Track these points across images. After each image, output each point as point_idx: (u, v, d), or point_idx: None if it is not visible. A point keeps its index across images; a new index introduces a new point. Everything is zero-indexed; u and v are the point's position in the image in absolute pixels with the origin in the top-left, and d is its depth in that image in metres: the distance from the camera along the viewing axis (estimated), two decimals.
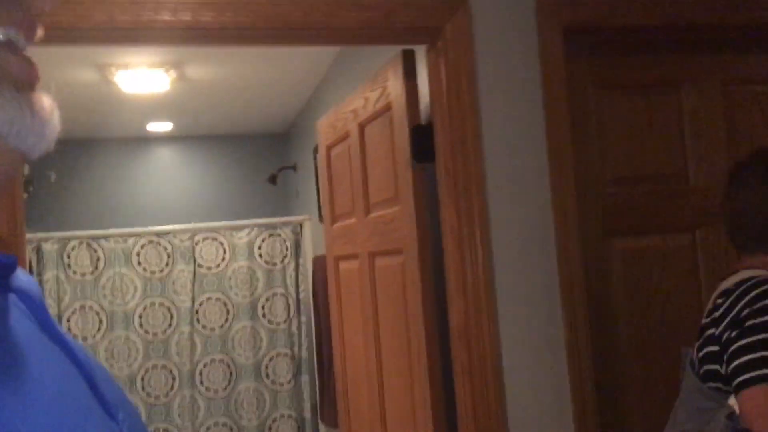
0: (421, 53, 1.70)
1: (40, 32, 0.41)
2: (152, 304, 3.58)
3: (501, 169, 1.61)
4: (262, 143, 4.92)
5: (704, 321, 1.26)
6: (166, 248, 3.63)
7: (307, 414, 3.71)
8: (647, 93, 1.76)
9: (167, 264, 3.62)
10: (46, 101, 0.41)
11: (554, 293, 1.61)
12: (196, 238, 3.66)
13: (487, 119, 1.61)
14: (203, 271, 3.67)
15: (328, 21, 1.49)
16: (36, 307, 0.48)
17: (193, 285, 3.64)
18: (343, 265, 2.26)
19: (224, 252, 3.70)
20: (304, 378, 3.72)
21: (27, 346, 0.47)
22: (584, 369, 1.59)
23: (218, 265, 3.69)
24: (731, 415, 1.14)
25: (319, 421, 3.59)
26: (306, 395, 3.71)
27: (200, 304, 3.65)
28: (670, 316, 1.70)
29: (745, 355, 1.13)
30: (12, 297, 0.46)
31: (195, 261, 3.65)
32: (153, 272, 3.59)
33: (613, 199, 1.73)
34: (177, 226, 3.72)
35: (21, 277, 0.49)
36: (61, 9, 1.33)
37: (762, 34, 1.78)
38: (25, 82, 0.40)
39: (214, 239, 3.70)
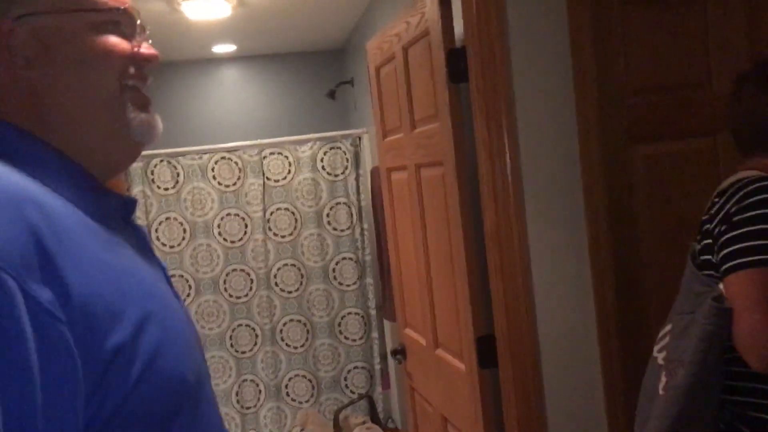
0: None
1: (150, 80, 0.78)
2: (228, 214, 3.93)
3: (528, 87, 1.77)
4: (321, 59, 5.09)
5: (703, 217, 1.43)
6: (237, 163, 3.93)
7: (372, 311, 4.05)
8: (671, 6, 1.85)
9: (239, 178, 3.94)
10: (154, 116, 0.79)
11: (578, 197, 1.79)
12: (264, 153, 3.95)
13: (514, 41, 1.75)
14: (271, 183, 3.97)
15: None
16: (145, 235, 0.80)
17: (263, 196, 3.95)
18: (395, 176, 2.48)
19: (290, 165, 3.98)
20: (368, 280, 4.04)
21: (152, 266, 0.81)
22: (605, 265, 1.79)
23: (285, 178, 3.98)
24: (718, 297, 1.32)
25: (383, 318, 3.93)
26: (370, 295, 4.04)
27: (271, 214, 3.97)
28: (688, 214, 1.85)
29: (731, 245, 1.30)
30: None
31: (264, 174, 3.95)
32: (227, 186, 3.92)
33: (636, 107, 1.86)
34: (245, 143, 4.01)
35: None
36: None
37: None
38: (145, 107, 0.78)
39: (280, 153, 3.97)
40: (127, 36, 0.80)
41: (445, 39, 1.85)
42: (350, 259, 4.03)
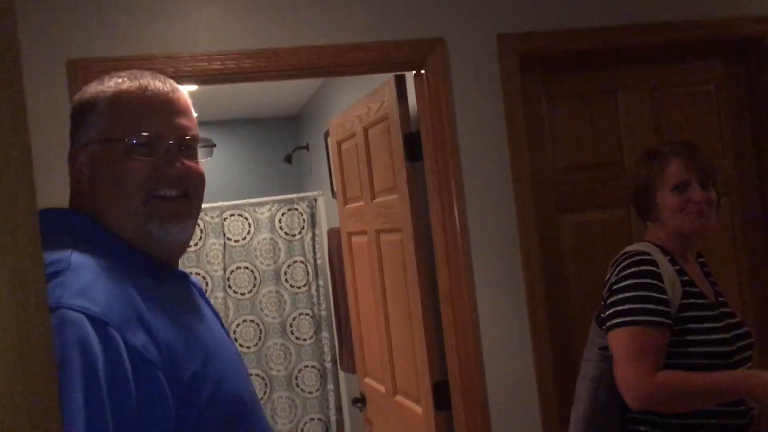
0: (410, 76, 2.17)
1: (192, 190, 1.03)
2: (190, 273, 4.10)
3: (474, 166, 2.09)
4: (278, 125, 5.38)
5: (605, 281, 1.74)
6: (199, 224, 4.13)
7: (328, 364, 4.24)
8: (589, 100, 2.22)
9: (200, 238, 4.13)
10: (177, 227, 1.00)
11: (516, 259, 2.10)
12: (224, 214, 4.16)
13: (462, 128, 2.08)
14: (232, 243, 4.18)
15: (337, 60, 1.96)
16: (198, 288, 1.06)
17: (224, 256, 4.15)
18: (355, 240, 2.76)
19: (249, 226, 4.20)
20: (324, 334, 4.25)
21: (207, 312, 1.02)
22: (541, 320, 2.09)
23: (244, 238, 4.19)
24: (604, 347, 1.62)
25: (339, 369, 4.14)
26: (326, 348, 4.24)
27: (231, 273, 4.17)
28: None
29: (611, 308, 1.60)
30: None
31: (224, 235, 4.16)
32: (189, 246, 4.10)
33: (563, 184, 2.20)
34: (207, 205, 4.21)
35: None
36: (139, 64, 1.81)
37: (678, 50, 2.23)
38: (171, 217, 0.99)
39: (240, 215, 4.19)
40: (157, 154, 0.98)
41: (402, 125, 2.16)
42: (307, 314, 4.24)
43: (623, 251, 1.67)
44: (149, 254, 0.98)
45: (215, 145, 1.20)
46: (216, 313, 1.10)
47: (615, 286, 1.61)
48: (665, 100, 2.26)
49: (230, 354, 1.01)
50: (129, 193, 0.96)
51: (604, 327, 1.64)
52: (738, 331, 1.64)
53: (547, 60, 2.15)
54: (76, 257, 0.88)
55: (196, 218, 1.05)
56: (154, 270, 0.97)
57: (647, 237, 1.73)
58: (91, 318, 0.80)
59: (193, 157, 1.04)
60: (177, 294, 1.00)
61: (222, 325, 1.09)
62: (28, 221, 0.45)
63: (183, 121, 1.01)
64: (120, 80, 0.99)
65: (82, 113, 1.00)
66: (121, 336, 0.82)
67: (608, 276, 1.68)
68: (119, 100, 0.98)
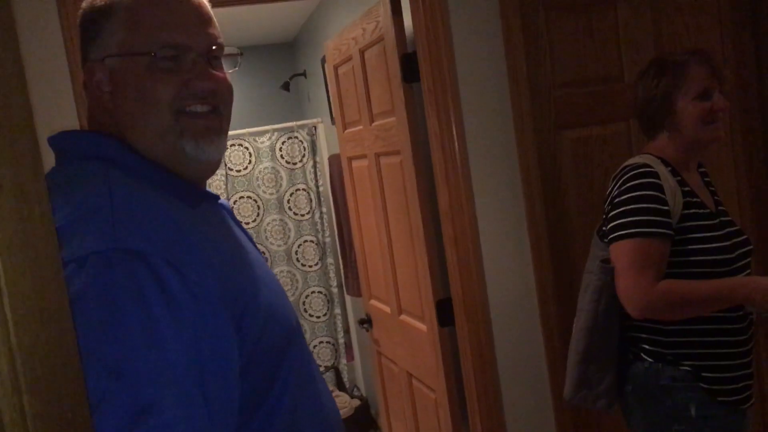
0: None
1: (221, 105, 0.97)
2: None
3: (471, 84, 2.07)
4: (274, 52, 5.30)
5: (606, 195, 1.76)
6: None
7: (334, 289, 4.34)
8: (588, 11, 2.17)
9: None
10: (210, 144, 0.93)
11: (516, 176, 2.12)
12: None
13: (458, 46, 2.05)
14: (233, 173, 4.19)
15: None
16: (229, 211, 1.01)
17: (227, 186, 4.18)
18: (355, 164, 2.77)
19: (250, 155, 4.21)
20: (329, 260, 4.32)
21: (241, 234, 0.99)
22: (540, 234, 2.12)
23: (246, 168, 4.21)
24: (606, 259, 1.66)
25: (345, 294, 4.23)
26: (332, 274, 4.33)
27: (234, 203, 4.20)
28: (608, 187, 2.20)
29: (613, 221, 1.63)
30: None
31: (226, 165, 4.17)
32: None
33: (562, 99, 2.18)
34: None
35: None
36: None
37: None
38: (203, 133, 0.93)
39: (240, 145, 4.19)
40: (184, 67, 0.90)
41: (398, 45, 2.13)
42: (311, 241, 4.30)
43: (624, 164, 1.68)
44: (181, 177, 0.92)
45: (242, 54, 1.12)
46: (248, 235, 1.03)
47: (617, 199, 1.63)
48: (666, 9, 2.21)
49: (272, 279, 0.97)
50: (158, 110, 0.89)
51: (605, 240, 1.67)
52: (737, 239, 1.67)
53: None
54: (118, 188, 0.82)
55: (227, 134, 0.97)
56: (189, 194, 0.91)
57: (649, 150, 1.74)
58: (149, 256, 0.76)
59: (220, 68, 0.96)
60: (213, 219, 0.94)
61: (255, 247, 1.02)
62: (26, 133, 0.46)
63: (209, 29, 0.93)
64: None
65: (95, 22, 0.91)
66: (178, 270, 0.77)
67: (609, 189, 1.69)
68: (140, 5, 0.89)
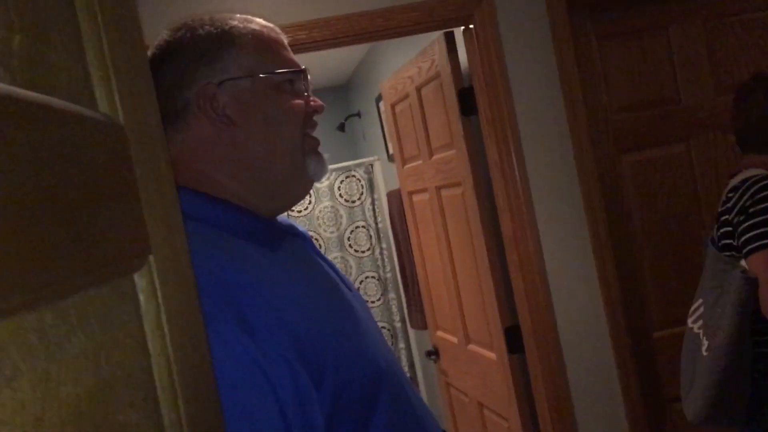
0: (459, 32, 2.20)
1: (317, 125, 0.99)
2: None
3: (529, 115, 2.12)
4: (328, 95, 5.46)
5: (720, 210, 1.73)
6: None
7: (398, 324, 4.37)
8: (640, 36, 2.21)
9: None
10: (323, 156, 0.96)
11: (578, 201, 2.14)
12: None
13: (514, 77, 2.11)
14: (295, 214, 4.31)
15: (386, 24, 2.02)
16: (309, 242, 1.00)
17: None
18: (416, 198, 2.83)
19: (310, 196, 4.32)
20: (391, 295, 4.36)
21: (327, 267, 0.96)
22: (606, 258, 2.13)
23: (306, 208, 4.32)
24: (745, 270, 1.64)
25: (409, 327, 4.26)
26: (394, 308, 4.36)
27: None
28: (670, 209, 2.21)
29: (749, 232, 1.61)
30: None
31: None
32: None
33: (620, 123, 2.22)
34: None
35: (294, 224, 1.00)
36: None
37: None
38: (316, 150, 0.95)
39: None
40: (302, 91, 0.93)
41: (455, 81, 2.21)
42: (373, 277, 4.36)
43: (746, 176, 1.67)
44: (258, 215, 0.90)
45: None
46: (330, 263, 0.98)
47: (751, 209, 1.61)
48: (719, 30, 2.23)
49: (365, 319, 0.91)
50: (294, 128, 0.90)
51: (741, 252, 1.63)
52: None
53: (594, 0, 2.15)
54: (202, 252, 0.71)
55: None
56: (269, 236, 0.88)
57: (755, 164, 1.72)
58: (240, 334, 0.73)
59: None
60: (294, 260, 0.90)
61: (343, 280, 0.96)
62: (161, 161, 0.54)
63: None
64: (236, 22, 0.92)
65: (216, 47, 0.89)
66: (255, 342, 0.73)
67: (733, 201, 1.67)
68: (261, 36, 0.92)
